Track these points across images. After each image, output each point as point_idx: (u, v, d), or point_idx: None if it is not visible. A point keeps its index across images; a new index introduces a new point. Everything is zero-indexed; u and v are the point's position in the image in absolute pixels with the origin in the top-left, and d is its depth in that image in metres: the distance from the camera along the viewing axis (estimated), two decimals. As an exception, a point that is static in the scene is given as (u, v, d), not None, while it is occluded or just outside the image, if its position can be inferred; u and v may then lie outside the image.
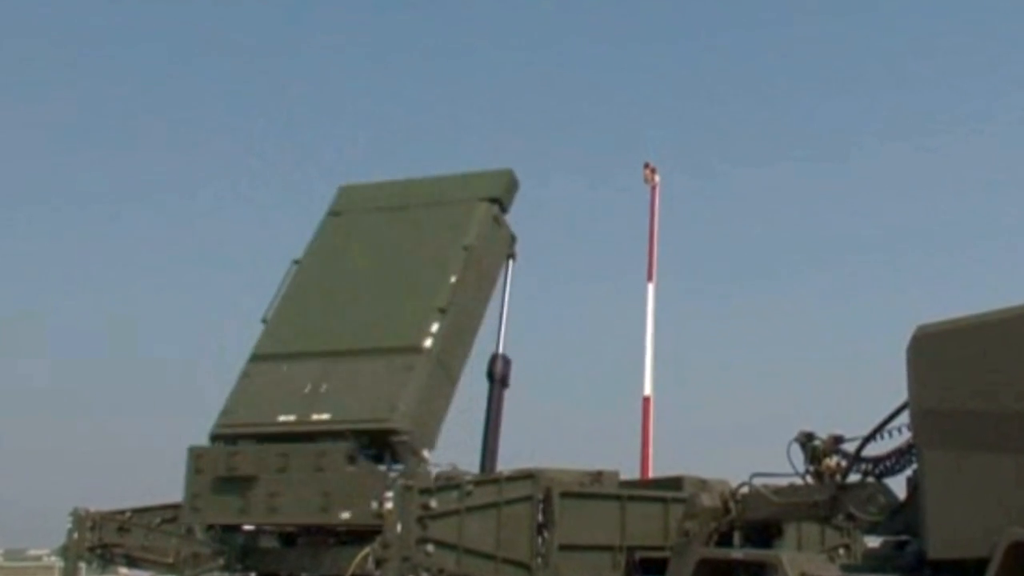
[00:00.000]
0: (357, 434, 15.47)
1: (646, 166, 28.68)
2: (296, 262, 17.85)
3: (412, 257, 17.38)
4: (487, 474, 16.41)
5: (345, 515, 15.35)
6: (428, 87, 55.92)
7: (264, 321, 17.35)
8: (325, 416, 15.69)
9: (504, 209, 18.26)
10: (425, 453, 16.46)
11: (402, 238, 17.63)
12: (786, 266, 53.04)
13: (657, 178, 28.62)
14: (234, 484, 15.55)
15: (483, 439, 17.93)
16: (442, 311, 16.97)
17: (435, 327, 16.95)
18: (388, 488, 14.32)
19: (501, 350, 18.32)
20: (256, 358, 16.82)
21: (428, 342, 16.90)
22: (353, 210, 18.32)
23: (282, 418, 15.87)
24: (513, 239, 18.38)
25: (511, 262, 18.32)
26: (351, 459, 15.35)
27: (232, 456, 15.60)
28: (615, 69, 57.15)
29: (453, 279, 17.05)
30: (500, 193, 18.11)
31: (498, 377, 18.12)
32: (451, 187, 18.06)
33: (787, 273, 52.65)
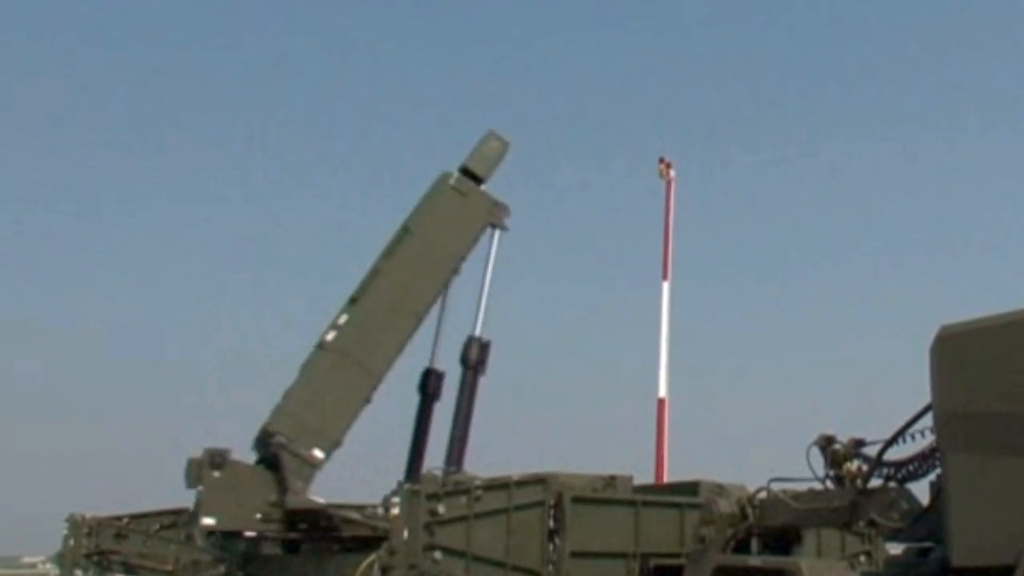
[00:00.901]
0: None
1: (661, 160, 28.66)
2: None
3: None
4: (453, 466, 16.54)
5: (209, 521, 15.65)
6: (438, 81, 55.99)
7: None
8: None
9: (479, 178, 17.99)
10: (317, 453, 16.54)
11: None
12: (807, 264, 53.11)
13: (672, 173, 28.60)
14: None
15: (451, 428, 17.88)
16: (353, 300, 17.08)
17: (343, 319, 17.05)
18: (394, 493, 14.39)
19: (479, 332, 18.19)
20: None
21: (331, 335, 17.02)
22: None
23: None
24: (500, 208, 18.15)
25: (496, 231, 18.17)
26: (216, 465, 15.65)
27: None
28: (628, 62, 57.20)
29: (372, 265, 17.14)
30: (468, 160, 17.84)
31: (472, 363, 18.02)
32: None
33: (808, 271, 52.74)
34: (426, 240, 17.27)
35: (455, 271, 17.62)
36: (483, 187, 18.20)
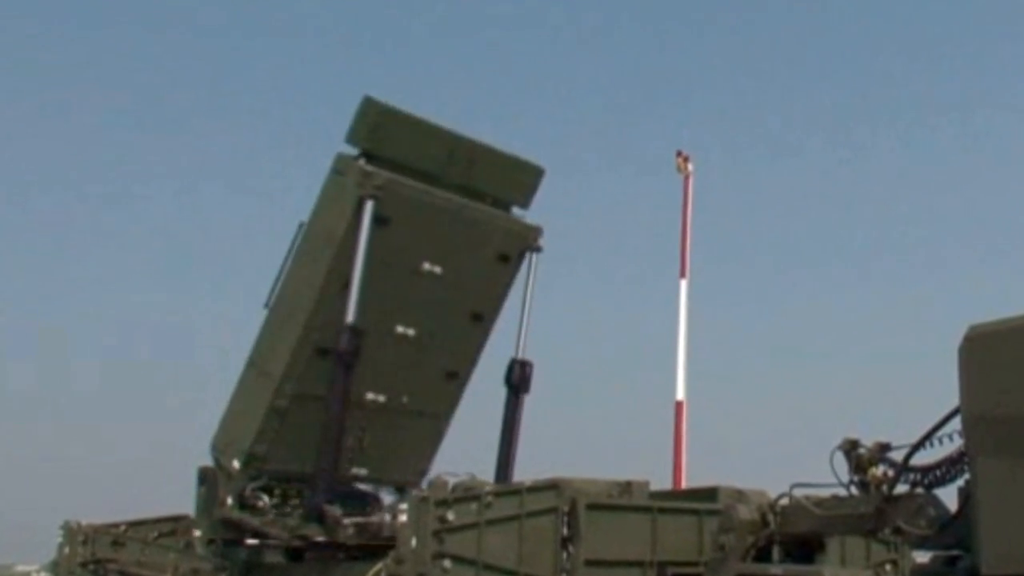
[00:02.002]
0: None
1: (678, 154, 28.71)
2: None
3: None
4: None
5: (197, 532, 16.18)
6: (449, 75, 55.92)
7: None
8: None
9: (371, 155, 17.04)
10: (235, 464, 16.66)
11: None
12: (831, 261, 52.92)
13: (690, 167, 28.67)
14: None
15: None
16: (266, 307, 17.11)
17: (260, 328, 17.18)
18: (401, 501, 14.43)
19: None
20: None
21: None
22: None
23: None
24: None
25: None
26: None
27: None
28: (642, 50, 57.08)
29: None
30: (358, 138, 17.14)
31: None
32: None
33: (832, 269, 52.55)
34: (311, 230, 17.01)
35: (338, 257, 16.61)
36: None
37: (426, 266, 17.15)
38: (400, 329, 17.23)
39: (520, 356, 18.31)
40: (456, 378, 18.21)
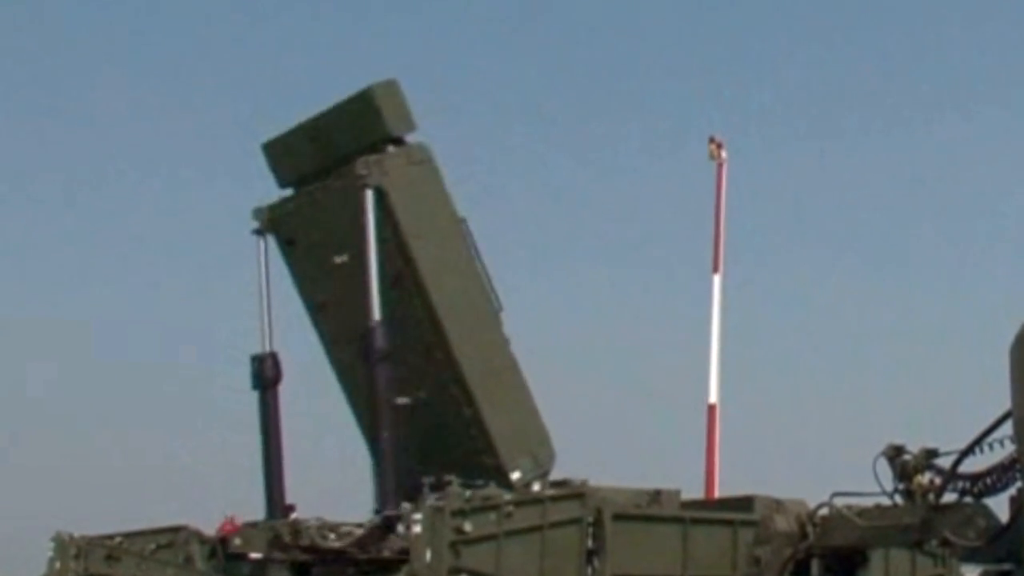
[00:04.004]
0: None
1: (711, 140, 28.68)
2: None
3: None
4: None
5: None
6: (467, 62, 55.91)
7: None
8: None
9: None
10: None
11: None
12: (874, 256, 52.68)
13: (724, 154, 28.61)
14: None
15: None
16: None
17: None
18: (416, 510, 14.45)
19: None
20: None
21: None
22: None
23: None
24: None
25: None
26: None
27: None
28: (671, 31, 57.00)
29: None
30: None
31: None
32: None
33: (875, 264, 52.32)
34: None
35: None
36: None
37: (335, 259, 17.45)
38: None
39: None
40: None
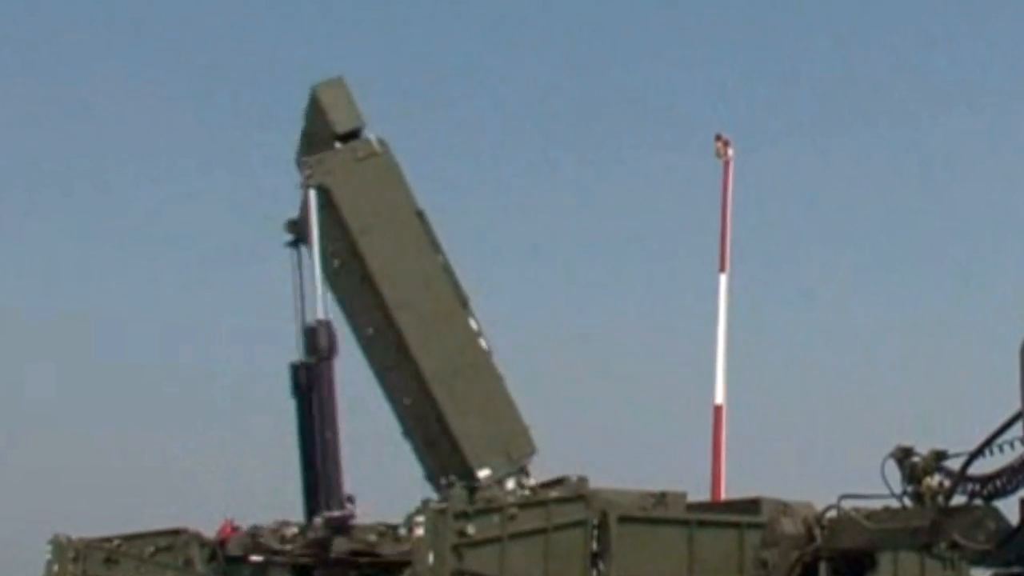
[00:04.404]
0: None
1: (718, 138, 28.65)
2: None
3: None
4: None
5: None
6: (466, 58, 55.94)
7: None
8: None
9: None
10: None
11: None
12: (883, 255, 52.66)
13: (731, 152, 28.59)
14: None
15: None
16: None
17: None
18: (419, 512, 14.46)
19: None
20: None
21: None
22: None
23: None
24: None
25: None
26: None
27: None
28: (676, 25, 57.02)
29: None
30: None
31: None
32: None
33: (885, 263, 52.30)
34: None
35: None
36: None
37: (334, 263, 17.72)
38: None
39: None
40: None
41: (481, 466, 16.71)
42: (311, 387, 17.10)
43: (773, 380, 43.94)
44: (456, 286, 17.51)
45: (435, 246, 17.53)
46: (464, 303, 17.49)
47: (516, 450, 17.15)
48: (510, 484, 16.20)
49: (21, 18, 51.81)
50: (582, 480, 15.63)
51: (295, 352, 17.69)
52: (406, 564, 14.46)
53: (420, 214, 17.55)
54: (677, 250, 44.14)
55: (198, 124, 49.54)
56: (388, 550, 16.35)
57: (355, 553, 16.38)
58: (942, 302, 48.45)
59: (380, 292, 17.16)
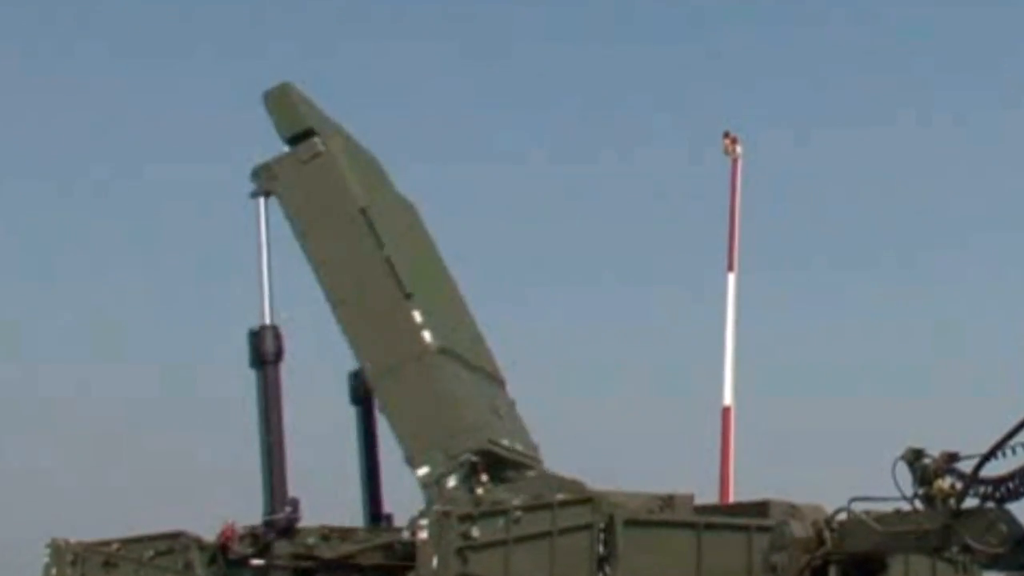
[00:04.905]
0: None
1: (725, 135, 28.72)
2: None
3: None
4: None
5: None
6: (468, 61, 55.90)
7: None
8: None
9: None
10: None
11: None
12: (895, 254, 52.54)
13: (739, 149, 28.64)
14: None
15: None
16: None
17: None
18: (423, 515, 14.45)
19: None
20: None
21: None
22: None
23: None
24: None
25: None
26: None
27: None
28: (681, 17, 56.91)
29: None
30: None
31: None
32: None
33: (897, 262, 52.18)
34: None
35: None
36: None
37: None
38: None
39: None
40: None
41: (420, 464, 16.68)
42: (257, 391, 17.26)
43: (782, 381, 43.92)
44: (398, 280, 17.47)
45: (379, 241, 17.51)
46: (407, 295, 17.44)
47: (454, 446, 16.84)
48: (451, 482, 16.16)
49: (21, 18, 51.89)
50: (576, 480, 15.80)
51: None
52: (409, 568, 14.43)
53: (364, 211, 17.57)
54: (685, 249, 44.12)
55: (198, 124, 49.61)
56: (328, 553, 16.40)
57: (296, 556, 16.42)
58: (955, 303, 48.38)
59: (325, 292, 17.36)
